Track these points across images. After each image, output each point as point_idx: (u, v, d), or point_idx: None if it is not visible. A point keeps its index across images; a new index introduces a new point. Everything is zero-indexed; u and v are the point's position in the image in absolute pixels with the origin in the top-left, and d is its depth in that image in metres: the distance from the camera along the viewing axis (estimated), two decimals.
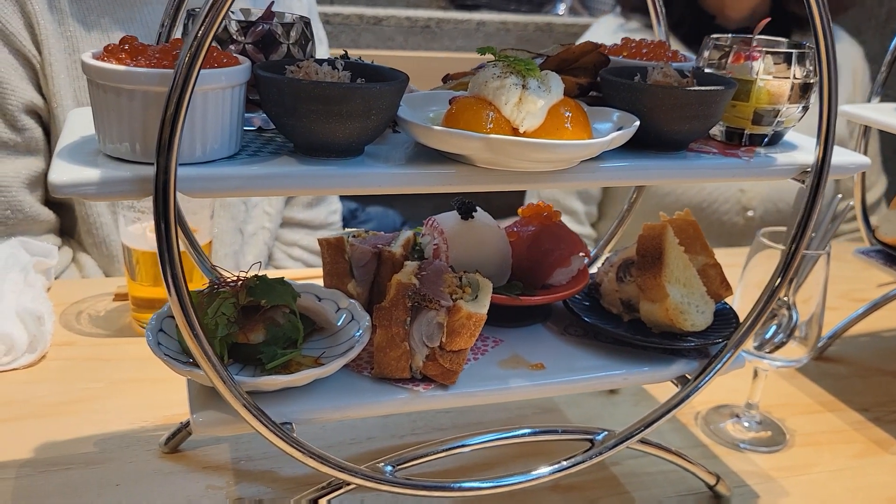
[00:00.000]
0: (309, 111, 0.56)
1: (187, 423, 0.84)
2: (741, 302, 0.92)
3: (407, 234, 0.83)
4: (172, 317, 0.71)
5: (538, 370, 0.74)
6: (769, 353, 0.93)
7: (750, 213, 1.65)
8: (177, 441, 0.85)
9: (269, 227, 1.62)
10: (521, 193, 1.83)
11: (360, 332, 0.71)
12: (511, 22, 2.16)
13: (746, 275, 0.93)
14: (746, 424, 0.97)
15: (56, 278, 1.24)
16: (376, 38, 2.03)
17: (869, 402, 1.06)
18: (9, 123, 1.23)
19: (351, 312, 0.74)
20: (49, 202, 1.35)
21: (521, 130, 0.61)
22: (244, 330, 0.65)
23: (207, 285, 0.69)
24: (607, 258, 0.85)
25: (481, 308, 0.68)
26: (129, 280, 1.06)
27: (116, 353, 1.03)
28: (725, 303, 0.85)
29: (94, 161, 0.56)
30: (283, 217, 1.70)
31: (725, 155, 0.71)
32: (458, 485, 0.70)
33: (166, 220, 0.54)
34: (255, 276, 0.67)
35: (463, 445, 0.72)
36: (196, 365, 0.63)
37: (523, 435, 0.74)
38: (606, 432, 0.76)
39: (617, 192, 1.74)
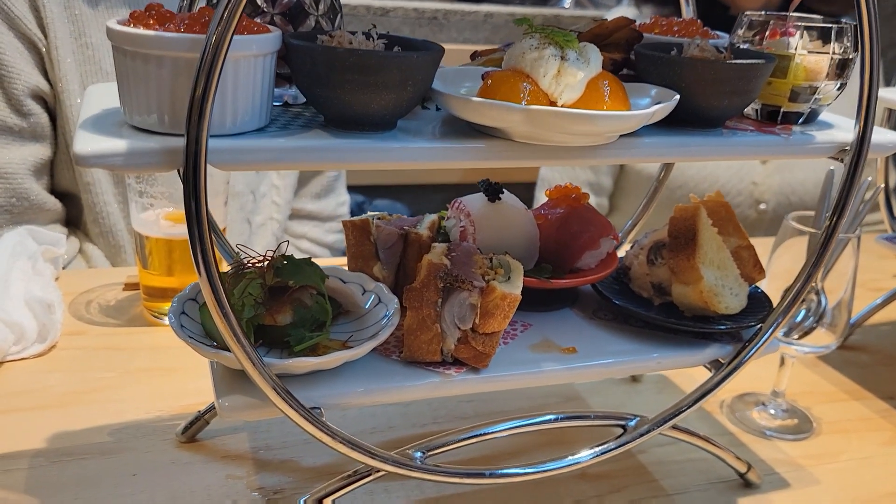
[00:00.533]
0: (344, 81, 0.54)
1: (205, 412, 0.82)
2: (769, 289, 0.90)
3: (432, 216, 0.81)
4: (195, 299, 0.69)
5: (570, 354, 0.72)
6: (797, 339, 0.91)
7: (762, 207, 1.64)
8: (194, 430, 0.82)
9: (278, 219, 1.60)
10: (532, 186, 1.81)
11: (389, 314, 0.69)
12: (519, 14, 2.14)
13: (774, 261, 0.91)
14: (773, 412, 0.96)
15: (63, 268, 1.22)
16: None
17: (894, 391, 1.04)
18: (14, 108, 1.21)
19: (378, 295, 0.72)
20: (55, 191, 1.33)
21: (560, 104, 0.59)
22: (271, 311, 0.63)
23: (232, 266, 0.67)
24: (636, 241, 0.83)
25: (515, 289, 0.66)
26: (140, 269, 1.04)
27: (129, 342, 1.00)
28: (757, 287, 0.83)
29: (119, 132, 0.53)
30: (291, 209, 1.68)
31: (763, 132, 0.69)
32: (492, 472, 0.68)
33: (196, 193, 0.52)
34: (283, 255, 0.65)
35: (493, 431, 0.70)
36: (222, 348, 0.61)
37: (556, 420, 0.72)
38: (639, 418, 0.74)
39: (629, 186, 1.72)
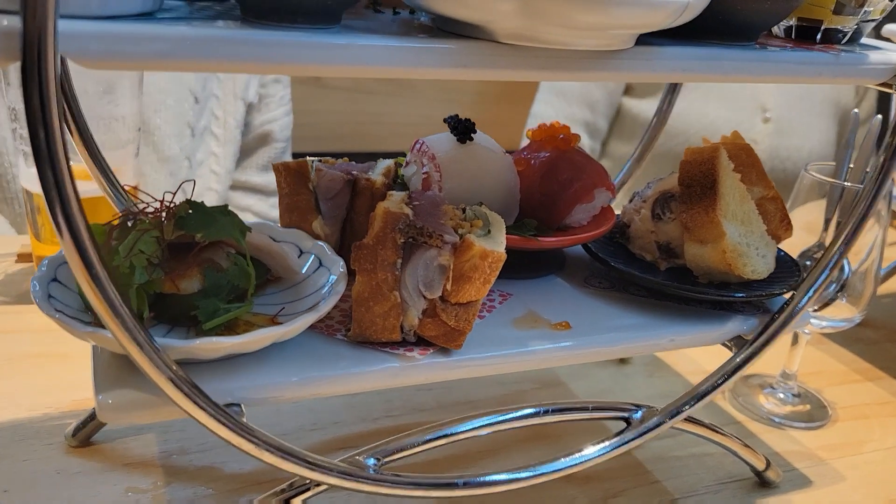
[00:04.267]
0: None
1: None
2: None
3: (387, 162, 0.65)
4: None
5: (563, 331, 0.57)
6: (815, 311, 0.78)
7: None
8: (88, 431, 0.66)
9: (217, 189, 1.42)
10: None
11: (333, 280, 0.53)
12: None
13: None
14: (782, 396, 0.83)
15: None
16: None
17: None
18: None
19: (318, 257, 0.56)
20: None
21: None
22: (172, 276, 0.47)
23: (120, 216, 0.50)
24: (637, 193, 0.68)
25: (498, 245, 0.50)
26: (31, 236, 0.86)
27: (14, 323, 0.82)
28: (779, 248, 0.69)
29: None
30: (233, 180, 1.51)
31: (806, 50, 0.55)
32: (467, 480, 0.53)
33: (44, 100, 0.35)
34: (188, 201, 0.49)
35: (466, 430, 0.55)
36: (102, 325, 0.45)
37: (545, 413, 0.57)
38: (645, 408, 0.60)
39: (625, 129, 1.57)
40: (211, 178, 1.45)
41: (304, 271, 0.55)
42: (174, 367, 0.42)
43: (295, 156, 1.71)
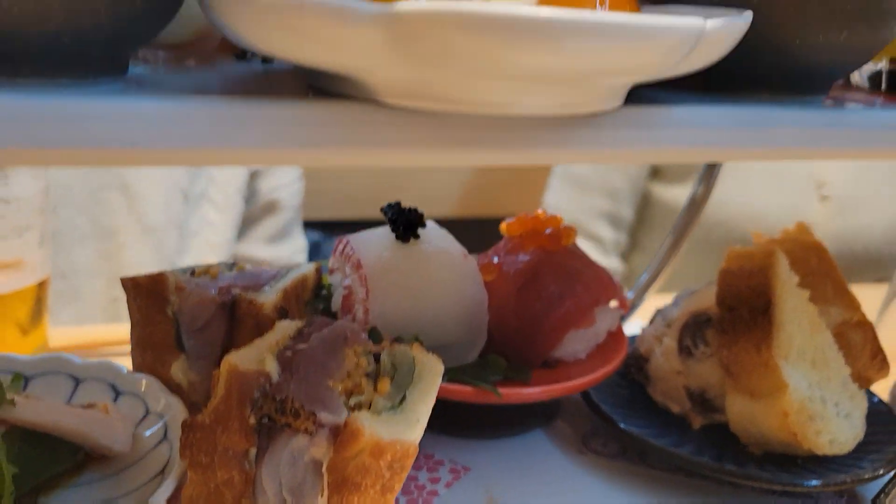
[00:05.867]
0: None
1: None
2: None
3: (306, 267, 0.47)
4: None
5: None
6: None
7: None
8: None
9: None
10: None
11: (172, 464, 0.35)
12: None
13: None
14: None
15: None
16: None
17: None
18: None
19: (166, 423, 0.38)
20: None
21: None
22: None
23: None
24: (660, 311, 0.48)
25: (407, 429, 0.31)
26: None
27: None
28: (872, 393, 0.48)
29: None
30: (234, 254, 1.35)
31: None
32: None
33: None
34: None
35: None
36: None
37: None
38: None
39: (656, 217, 1.36)
40: (207, 251, 1.30)
41: (144, 447, 0.37)
42: None
43: (306, 225, 1.55)
